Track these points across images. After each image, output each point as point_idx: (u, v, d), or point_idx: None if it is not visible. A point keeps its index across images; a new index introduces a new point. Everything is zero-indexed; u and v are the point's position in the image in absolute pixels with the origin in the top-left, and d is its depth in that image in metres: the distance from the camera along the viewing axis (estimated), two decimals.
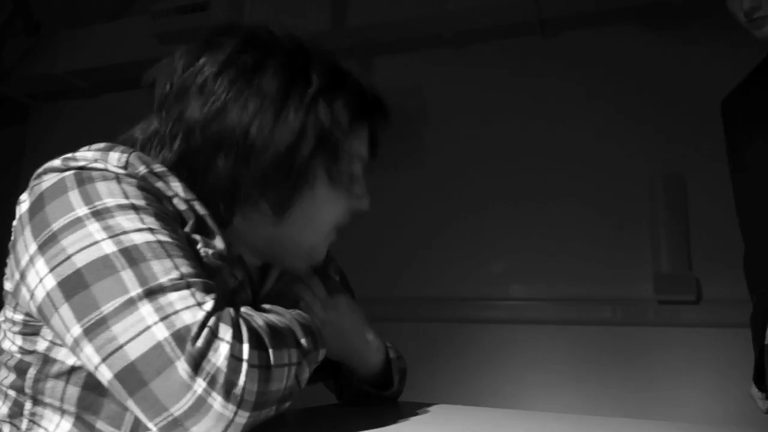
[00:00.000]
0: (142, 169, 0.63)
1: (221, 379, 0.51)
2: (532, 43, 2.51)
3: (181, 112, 0.67)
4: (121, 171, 0.62)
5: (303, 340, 0.62)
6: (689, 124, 2.25)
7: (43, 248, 0.57)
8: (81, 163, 0.63)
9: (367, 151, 0.77)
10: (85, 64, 2.96)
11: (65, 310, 0.55)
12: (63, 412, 0.63)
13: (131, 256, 0.55)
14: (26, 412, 0.64)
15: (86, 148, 0.65)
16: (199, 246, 0.63)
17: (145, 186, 0.62)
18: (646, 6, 2.32)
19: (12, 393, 0.66)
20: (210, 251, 0.64)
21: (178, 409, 0.51)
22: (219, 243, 0.65)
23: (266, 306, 0.65)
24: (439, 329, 2.37)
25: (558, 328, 2.27)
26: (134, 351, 0.52)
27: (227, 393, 0.52)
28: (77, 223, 0.57)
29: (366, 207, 0.76)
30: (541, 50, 2.50)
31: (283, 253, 0.74)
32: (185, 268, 0.56)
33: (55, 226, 0.58)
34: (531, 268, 2.36)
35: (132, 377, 0.52)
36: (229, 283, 0.66)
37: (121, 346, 0.52)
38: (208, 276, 0.59)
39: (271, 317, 0.61)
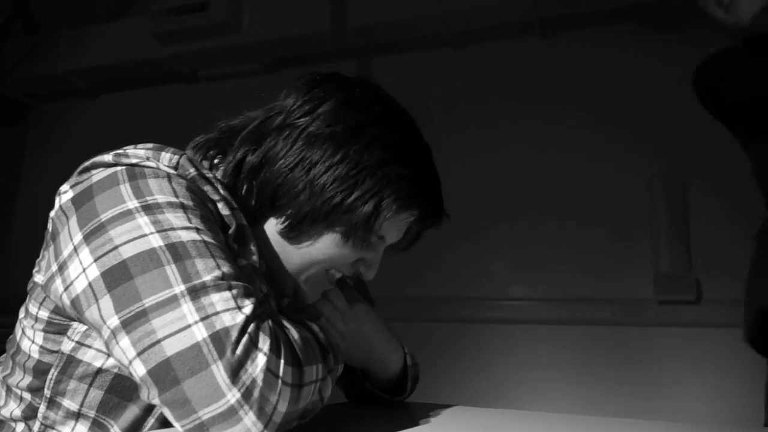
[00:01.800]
0: (192, 171, 0.64)
1: (256, 392, 0.51)
2: (531, 44, 2.51)
3: (273, 145, 0.69)
4: (172, 171, 0.63)
5: (329, 356, 0.63)
6: (689, 124, 2.25)
7: (89, 238, 0.57)
8: (133, 161, 0.63)
9: (396, 240, 0.77)
10: (85, 64, 2.96)
11: (106, 301, 0.54)
12: (79, 416, 0.62)
13: (177, 251, 0.56)
14: (40, 415, 0.64)
15: (133, 146, 0.66)
16: (236, 254, 0.64)
17: (193, 188, 0.63)
18: (645, 6, 2.32)
19: (27, 395, 0.65)
20: (245, 261, 0.64)
21: (207, 413, 0.51)
22: (254, 254, 0.66)
23: (294, 318, 0.65)
24: (439, 329, 2.37)
25: (558, 328, 2.27)
26: (171, 348, 0.51)
27: (260, 409, 0.52)
28: (127, 215, 0.57)
29: (369, 278, 0.77)
30: (540, 50, 2.50)
31: (278, 271, 0.73)
32: (227, 270, 0.57)
33: (104, 216, 0.58)
34: (531, 268, 2.36)
35: (165, 375, 0.51)
36: (260, 294, 0.66)
37: (158, 341, 0.52)
38: (246, 281, 0.59)
39: (303, 331, 0.62)
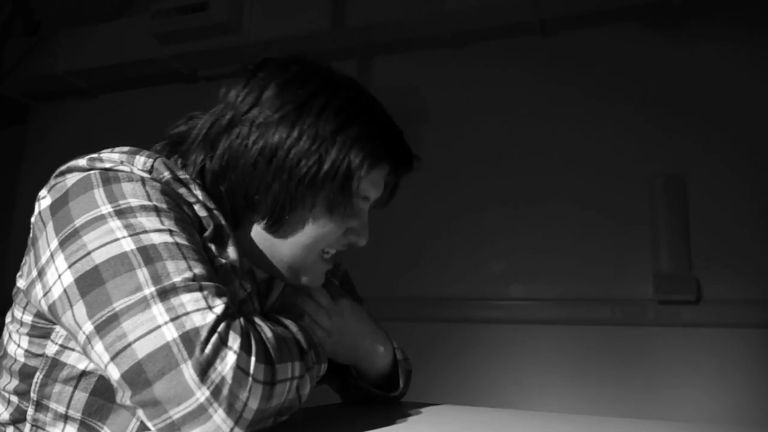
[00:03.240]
0: (166, 174, 0.64)
1: (225, 390, 0.51)
2: (532, 43, 2.51)
3: (228, 147, 0.69)
4: (146, 174, 0.63)
5: (307, 354, 0.63)
6: (689, 123, 2.25)
7: (64, 243, 0.58)
8: (107, 165, 0.63)
9: (379, 195, 0.77)
10: (85, 64, 2.96)
11: (79, 307, 0.55)
12: (67, 418, 0.63)
13: (148, 254, 0.56)
14: (29, 418, 0.64)
15: (110, 150, 0.66)
16: (213, 254, 0.64)
17: (167, 191, 0.63)
18: (646, 6, 2.32)
19: (15, 399, 0.65)
20: (223, 261, 0.64)
21: (177, 412, 0.51)
22: (232, 253, 0.66)
23: (273, 317, 0.65)
24: (439, 329, 2.37)
25: (558, 328, 2.26)
26: (142, 349, 0.52)
27: (230, 406, 0.52)
28: (100, 219, 0.58)
29: (362, 244, 0.77)
30: (541, 50, 2.50)
31: (277, 265, 0.74)
32: (199, 270, 0.57)
33: (78, 222, 0.58)
34: (531, 268, 2.35)
35: (137, 377, 0.52)
36: (238, 294, 0.66)
37: (130, 344, 0.52)
38: (222, 283, 0.59)
39: (279, 328, 0.62)
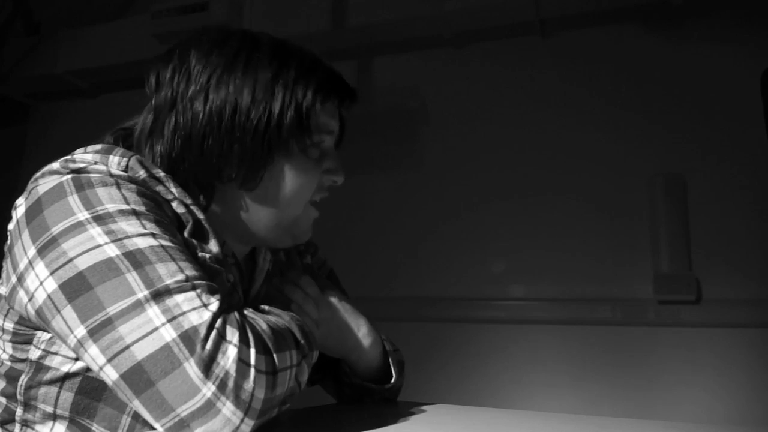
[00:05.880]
0: (142, 173, 0.63)
1: (230, 383, 0.52)
2: (532, 43, 2.51)
3: (174, 99, 0.68)
4: (122, 174, 0.62)
5: (302, 342, 0.63)
6: (690, 123, 2.25)
7: (42, 252, 0.57)
8: (80, 165, 0.62)
9: (338, 129, 0.77)
10: (85, 64, 2.96)
11: (68, 312, 0.54)
12: (56, 416, 0.63)
13: (136, 259, 0.55)
14: (18, 418, 0.64)
15: (83, 149, 0.65)
16: (195, 250, 0.64)
17: (144, 191, 0.62)
18: (646, 6, 2.32)
19: (3, 400, 0.65)
20: (207, 255, 0.64)
21: (185, 410, 0.51)
22: (214, 246, 0.66)
23: (264, 307, 0.65)
24: (438, 329, 2.37)
25: (558, 328, 2.27)
26: (141, 351, 0.52)
27: (237, 398, 0.52)
28: (78, 227, 0.57)
29: (340, 181, 0.76)
30: (541, 50, 2.50)
31: (265, 231, 0.73)
32: (189, 271, 0.57)
33: (55, 230, 0.57)
34: (530, 268, 2.35)
35: (139, 378, 0.52)
36: (226, 287, 0.66)
37: (128, 347, 0.52)
38: (209, 278, 0.59)
39: (272, 319, 0.62)
